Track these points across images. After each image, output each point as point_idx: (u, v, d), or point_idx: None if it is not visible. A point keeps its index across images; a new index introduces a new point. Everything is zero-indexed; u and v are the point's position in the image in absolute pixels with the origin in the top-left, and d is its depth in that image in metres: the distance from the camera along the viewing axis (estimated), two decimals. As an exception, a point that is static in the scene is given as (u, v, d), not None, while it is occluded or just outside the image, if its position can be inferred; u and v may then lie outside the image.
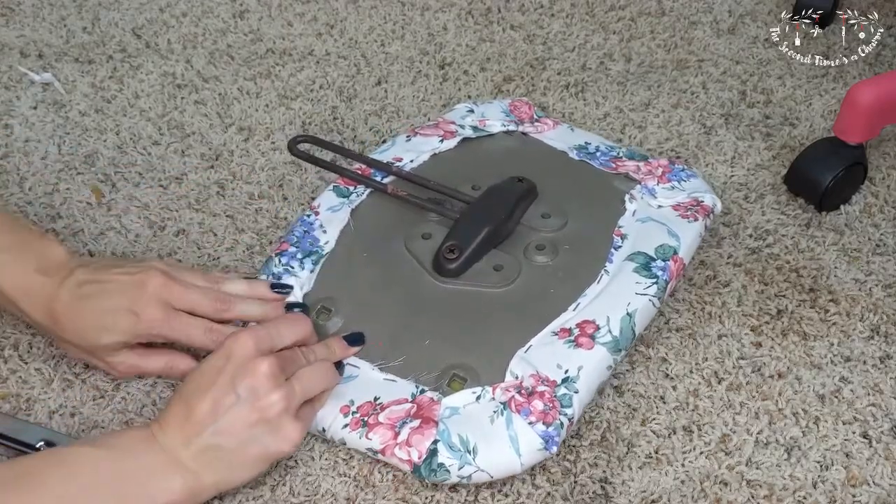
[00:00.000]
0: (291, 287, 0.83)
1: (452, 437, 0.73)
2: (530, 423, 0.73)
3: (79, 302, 0.75)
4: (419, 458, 0.72)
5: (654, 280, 0.82)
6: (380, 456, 0.74)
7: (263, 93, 1.11)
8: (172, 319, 0.76)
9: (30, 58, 1.16)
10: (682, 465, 0.76)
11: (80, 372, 0.81)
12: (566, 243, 0.87)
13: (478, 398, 0.75)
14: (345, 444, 0.75)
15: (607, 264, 0.85)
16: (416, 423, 0.74)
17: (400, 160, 0.95)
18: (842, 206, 0.96)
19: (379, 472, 0.75)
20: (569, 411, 0.74)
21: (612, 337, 0.79)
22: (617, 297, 0.81)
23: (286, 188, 0.99)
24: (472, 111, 1.01)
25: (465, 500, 0.74)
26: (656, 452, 0.77)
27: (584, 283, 0.83)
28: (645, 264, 0.84)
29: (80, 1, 1.24)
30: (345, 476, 0.75)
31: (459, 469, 0.72)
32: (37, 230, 0.85)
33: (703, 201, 0.90)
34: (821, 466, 0.76)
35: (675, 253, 0.85)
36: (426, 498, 0.74)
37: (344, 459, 0.76)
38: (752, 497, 0.74)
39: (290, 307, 0.81)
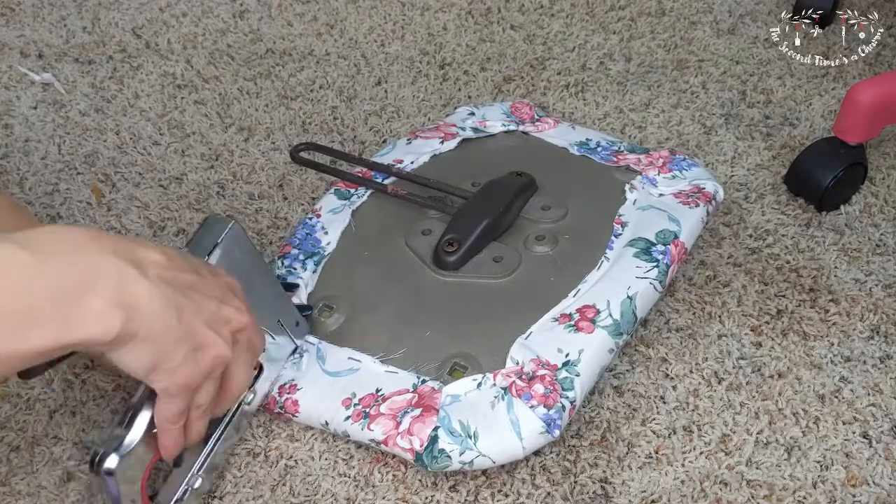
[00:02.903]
0: (298, 286, 0.83)
1: (453, 423, 0.73)
2: (531, 407, 0.73)
3: None
4: (420, 445, 0.72)
5: (655, 264, 0.83)
6: (382, 447, 0.74)
7: (263, 93, 1.11)
8: None
9: (30, 58, 1.16)
10: (682, 465, 0.76)
11: (81, 372, 0.81)
12: (566, 233, 0.87)
13: (479, 385, 0.76)
14: (348, 436, 0.76)
15: (607, 251, 0.85)
16: (418, 411, 0.74)
17: (400, 162, 0.95)
18: (842, 206, 0.96)
19: (379, 472, 0.75)
20: (570, 394, 0.74)
21: (613, 320, 0.79)
22: (617, 282, 0.81)
23: (286, 188, 1.00)
24: (472, 114, 1.01)
25: (466, 499, 0.74)
26: (656, 452, 0.77)
27: (584, 270, 0.84)
28: (645, 249, 0.84)
29: (80, 1, 1.24)
30: (345, 476, 0.75)
31: (461, 455, 0.72)
32: None
33: (704, 188, 0.91)
34: (821, 466, 0.76)
35: (676, 237, 0.85)
36: (426, 498, 0.74)
37: (344, 459, 0.76)
38: (752, 497, 0.74)
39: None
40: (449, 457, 0.72)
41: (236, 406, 0.72)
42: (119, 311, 0.55)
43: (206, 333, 0.61)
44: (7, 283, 0.52)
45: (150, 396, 0.64)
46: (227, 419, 0.72)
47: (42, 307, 0.52)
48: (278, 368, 0.77)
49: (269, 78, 1.13)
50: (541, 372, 0.75)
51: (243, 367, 0.65)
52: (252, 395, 0.74)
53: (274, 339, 0.75)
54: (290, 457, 0.76)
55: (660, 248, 0.84)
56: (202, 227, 0.71)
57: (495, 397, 0.74)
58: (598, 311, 0.79)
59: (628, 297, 0.80)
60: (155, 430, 0.64)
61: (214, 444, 0.72)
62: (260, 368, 0.74)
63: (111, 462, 0.63)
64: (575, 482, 0.75)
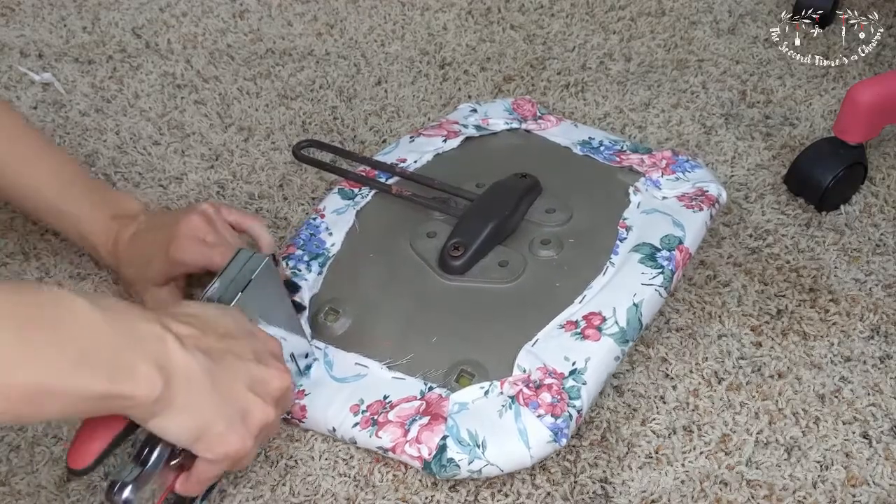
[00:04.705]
0: (300, 287, 0.83)
1: (461, 432, 0.73)
2: (539, 416, 0.73)
3: (135, 237, 0.82)
4: (429, 454, 0.72)
5: (660, 270, 0.82)
6: (390, 454, 0.74)
7: (263, 93, 1.11)
8: (210, 234, 0.79)
9: (30, 58, 1.16)
10: (682, 465, 0.76)
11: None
12: (571, 237, 0.87)
13: (486, 393, 0.76)
14: (355, 442, 0.76)
15: (613, 256, 0.85)
16: (426, 419, 0.74)
17: (404, 161, 0.95)
18: (842, 206, 0.96)
19: (379, 472, 0.75)
20: (577, 403, 0.74)
21: (619, 328, 0.79)
22: (623, 289, 0.81)
23: (286, 188, 0.99)
24: (474, 111, 1.01)
25: (465, 500, 0.74)
26: (656, 452, 0.77)
27: (590, 275, 0.83)
28: (650, 255, 0.84)
29: (80, 1, 1.24)
30: (345, 476, 0.75)
31: (469, 464, 0.72)
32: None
33: (707, 191, 0.91)
34: (821, 466, 0.76)
35: (681, 243, 0.85)
36: (426, 498, 0.74)
37: (344, 459, 0.76)
38: (752, 497, 0.74)
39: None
40: (458, 465, 0.72)
41: None
42: (160, 375, 0.58)
43: (248, 397, 0.63)
44: (72, 327, 0.56)
45: None
46: None
47: (97, 354, 0.56)
48: None
49: (269, 78, 1.13)
50: (548, 380, 0.75)
51: (277, 422, 0.67)
52: None
53: None
54: (290, 457, 0.76)
55: (665, 253, 0.84)
56: (234, 261, 0.72)
57: (503, 406, 0.74)
58: (605, 319, 0.79)
59: (634, 304, 0.80)
60: (173, 463, 0.65)
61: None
62: None
63: (129, 493, 0.63)
64: (575, 482, 0.75)
